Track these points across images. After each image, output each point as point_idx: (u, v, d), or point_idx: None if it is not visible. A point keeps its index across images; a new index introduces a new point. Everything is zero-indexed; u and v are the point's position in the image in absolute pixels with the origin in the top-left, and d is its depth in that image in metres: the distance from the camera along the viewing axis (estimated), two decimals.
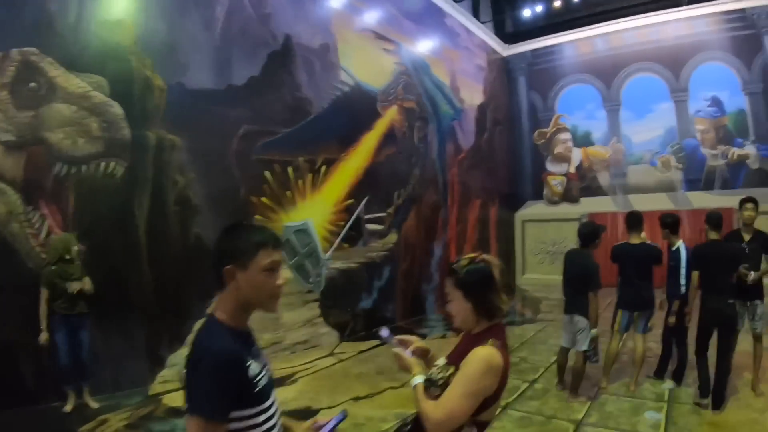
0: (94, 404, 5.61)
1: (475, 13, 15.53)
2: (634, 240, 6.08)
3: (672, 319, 5.97)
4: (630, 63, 15.46)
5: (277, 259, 1.76)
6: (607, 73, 15.83)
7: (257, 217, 7.56)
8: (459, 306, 2.17)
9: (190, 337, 2.78)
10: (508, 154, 16.65)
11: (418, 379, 2.09)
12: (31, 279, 5.38)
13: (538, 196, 16.74)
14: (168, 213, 6.68)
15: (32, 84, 5.54)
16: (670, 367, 6.31)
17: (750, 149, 13.71)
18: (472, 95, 14.56)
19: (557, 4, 15.60)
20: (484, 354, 2.02)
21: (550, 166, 16.61)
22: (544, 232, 16.19)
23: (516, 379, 6.49)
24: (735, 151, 13.85)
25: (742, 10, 13.68)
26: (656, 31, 15.01)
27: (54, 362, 5.41)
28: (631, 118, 15.59)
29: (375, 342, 8.51)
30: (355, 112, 9.64)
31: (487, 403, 2.04)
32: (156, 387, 6.31)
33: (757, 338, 5.70)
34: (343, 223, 9.11)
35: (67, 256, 5.43)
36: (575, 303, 5.75)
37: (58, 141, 5.68)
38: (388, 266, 10.19)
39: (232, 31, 7.60)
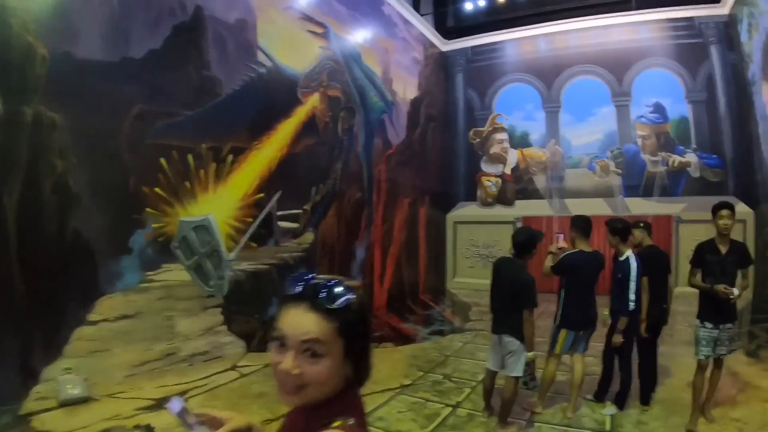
0: None
1: (416, 5, 15.17)
2: (585, 248, 5.59)
3: (618, 339, 5.51)
4: (572, 65, 15.53)
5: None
6: (549, 74, 15.84)
7: (148, 210, 6.84)
8: (327, 363, 1.30)
9: None
10: (442, 153, 16.37)
11: None
12: None
13: (471, 197, 16.54)
14: (43, 203, 5.84)
15: None
16: (612, 388, 5.88)
17: (691, 157, 13.96)
18: (406, 89, 14.15)
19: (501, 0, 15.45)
20: None
21: (485, 167, 16.43)
22: (476, 235, 16.08)
23: (437, 402, 6.03)
24: (676, 159, 14.07)
25: (690, 19, 13.97)
26: (601, 34, 15.10)
27: None
28: (571, 121, 15.61)
29: None
30: (271, 96, 8.97)
31: None
32: (30, 405, 5.50)
33: (720, 365, 5.26)
34: (251, 219, 8.40)
35: None
36: (505, 322, 5.18)
37: None
38: (303, 268, 9.50)
39: None
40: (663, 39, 14.40)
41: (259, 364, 7.47)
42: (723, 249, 5.14)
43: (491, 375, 5.50)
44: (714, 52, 13.77)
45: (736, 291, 4.88)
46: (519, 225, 15.18)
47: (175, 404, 1.27)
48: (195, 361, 7.39)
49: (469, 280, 15.71)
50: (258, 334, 8.42)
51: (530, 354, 5.07)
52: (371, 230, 12.01)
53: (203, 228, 7.49)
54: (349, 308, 1.32)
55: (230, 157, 8.02)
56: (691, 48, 14.02)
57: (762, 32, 11.35)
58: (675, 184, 14.11)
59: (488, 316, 11.60)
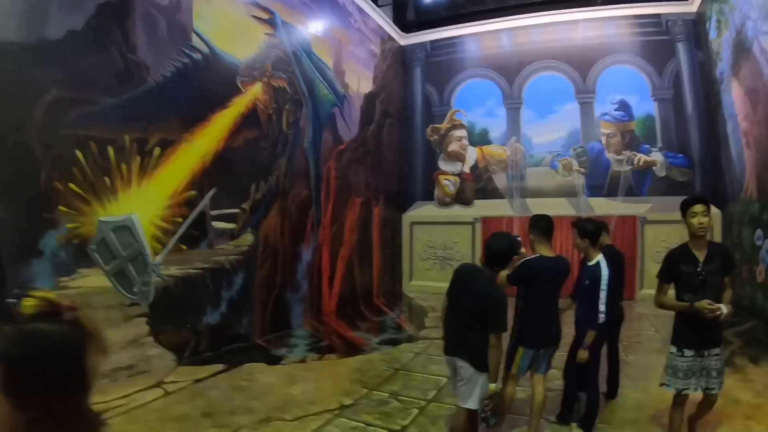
0: None
1: None
2: (547, 252, 4.98)
3: (584, 355, 4.95)
4: (535, 60, 15.46)
5: None
6: (510, 70, 15.77)
7: (62, 208, 6.27)
8: None
9: None
10: (398, 150, 16.13)
11: None
12: None
13: (428, 196, 16.35)
14: None
15: None
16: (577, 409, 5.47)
17: (657, 156, 14.08)
18: (360, 82, 13.79)
19: None
20: None
21: (443, 165, 16.26)
22: (434, 236, 15.97)
23: (380, 427, 5.53)
24: (642, 158, 14.17)
25: (657, 16, 14.13)
26: (565, 29, 15.13)
27: None
28: (533, 118, 15.57)
29: (219, 367, 7.46)
30: (206, 85, 8.44)
31: None
32: None
33: (710, 402, 4.54)
34: (181, 219, 7.84)
35: None
36: (461, 342, 4.38)
37: None
38: (241, 273, 9.05)
39: None
40: (629, 36, 14.53)
41: (187, 380, 6.98)
42: (701, 255, 4.30)
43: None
44: (681, 49, 13.94)
45: (723, 308, 4.05)
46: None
47: None
48: (118, 376, 6.82)
49: (426, 283, 15.65)
50: (190, 346, 7.93)
51: (494, 385, 4.28)
52: (319, 231, 11.55)
53: (125, 229, 6.93)
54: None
55: (157, 150, 7.44)
56: (657, 45, 14.16)
57: (732, 28, 11.38)
58: (640, 183, 14.17)
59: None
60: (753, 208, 10.69)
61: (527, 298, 4.99)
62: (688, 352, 4.30)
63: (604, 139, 14.56)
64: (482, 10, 15.87)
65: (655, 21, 14.12)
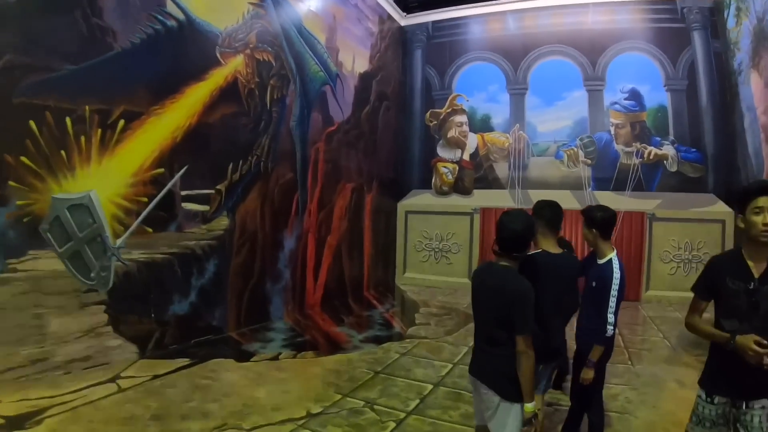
0: None
1: None
2: (552, 248, 4.20)
3: (589, 375, 4.22)
4: (542, 44, 15.04)
5: None
6: (515, 53, 15.32)
7: (12, 183, 5.86)
8: None
9: None
10: (394, 134, 15.68)
11: None
12: None
13: (426, 184, 15.95)
14: None
15: None
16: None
17: (669, 150, 13.65)
18: (355, 61, 13.32)
19: None
20: None
21: (442, 152, 15.85)
22: (430, 226, 15.59)
23: None
24: (652, 151, 13.71)
25: (673, 2, 13.70)
26: (575, 12, 14.72)
27: None
28: (538, 105, 15.14)
29: (184, 362, 7.06)
30: (181, 55, 7.97)
31: None
32: None
33: None
34: (146, 199, 7.39)
35: None
36: (484, 361, 3.58)
37: None
38: (214, 259, 8.62)
39: None
40: (642, 22, 14.08)
41: (146, 376, 6.54)
42: (757, 269, 3.00)
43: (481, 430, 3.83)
44: (697, 38, 13.50)
45: None
46: (476, 215, 14.75)
47: None
48: (73, 368, 6.45)
49: (421, 275, 15.43)
50: (155, 337, 7.53)
51: (530, 406, 3.31)
52: (304, 217, 11.10)
53: (83, 207, 6.50)
54: None
55: (121, 123, 6.97)
56: (672, 33, 13.73)
57: (753, 17, 11.01)
58: (650, 178, 13.74)
59: (435, 320, 10.90)
60: None
61: None
62: (719, 399, 3.13)
63: (612, 130, 14.13)
64: None
65: (670, 8, 13.69)
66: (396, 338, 9.13)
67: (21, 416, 5.08)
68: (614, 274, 4.15)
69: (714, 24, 13.23)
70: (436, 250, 15.42)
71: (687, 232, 12.67)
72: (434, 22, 16.24)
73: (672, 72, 13.70)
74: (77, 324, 6.62)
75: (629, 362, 7.07)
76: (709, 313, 3.18)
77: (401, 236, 15.91)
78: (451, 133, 15.65)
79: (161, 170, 7.59)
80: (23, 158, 5.98)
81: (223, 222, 8.84)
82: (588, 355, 4.24)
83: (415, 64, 16.45)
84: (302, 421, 5.34)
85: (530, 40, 15.13)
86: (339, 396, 6.11)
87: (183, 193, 8.05)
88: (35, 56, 6.13)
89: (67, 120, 6.42)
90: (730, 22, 12.45)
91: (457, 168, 15.51)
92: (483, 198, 15.09)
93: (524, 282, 3.39)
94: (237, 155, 9.16)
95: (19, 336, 6.01)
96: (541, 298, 3.57)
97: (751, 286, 2.96)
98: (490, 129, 15.47)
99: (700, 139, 13.38)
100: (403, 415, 5.59)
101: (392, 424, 5.33)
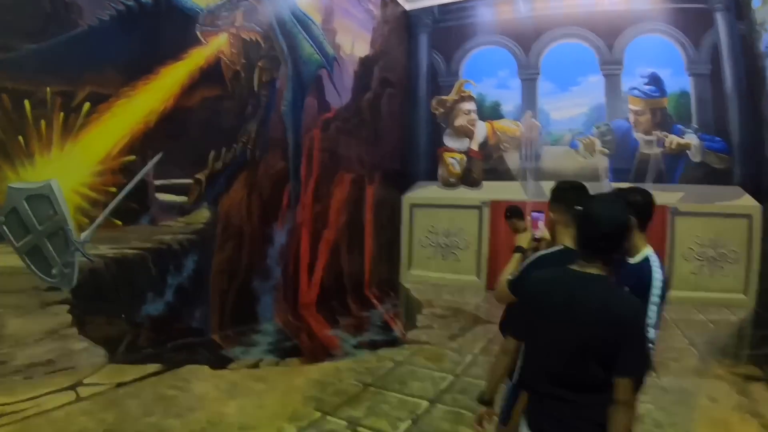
0: None
1: None
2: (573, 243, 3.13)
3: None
4: (555, 26, 14.65)
5: None
6: (527, 37, 14.93)
7: None
8: None
9: None
10: (398, 123, 15.29)
11: None
12: None
13: (432, 176, 15.59)
14: None
15: None
16: None
17: (692, 138, 13.18)
18: (355, 44, 12.92)
19: None
20: None
21: (449, 141, 15.47)
22: (436, 221, 15.23)
23: None
24: (674, 139, 13.28)
25: None
26: None
27: None
28: (551, 91, 14.78)
29: (154, 368, 6.69)
30: (156, 33, 7.58)
31: None
32: None
33: None
34: (115, 189, 7.01)
35: None
36: (563, 410, 2.55)
37: None
38: (193, 255, 8.23)
39: None
40: (662, 2, 13.63)
41: (109, 383, 6.17)
42: None
43: None
44: (720, 19, 13.03)
45: None
46: (485, 209, 14.39)
47: None
48: (34, 373, 6.10)
49: (426, 273, 15.13)
50: (126, 339, 7.17)
51: None
52: (297, 210, 10.70)
53: (43, 198, 6.14)
54: None
55: (86, 106, 6.60)
56: (694, 14, 13.24)
57: None
58: (672, 169, 13.31)
59: (439, 322, 10.42)
60: None
61: (530, 318, 3.39)
62: None
63: (631, 117, 13.71)
64: None
65: None
66: (393, 344, 8.66)
67: None
68: (654, 275, 3.17)
69: (738, 4, 12.76)
70: (443, 245, 15.07)
71: (711, 228, 12.20)
72: (440, 6, 15.86)
73: (694, 55, 13.24)
74: (38, 325, 6.27)
75: (654, 374, 6.56)
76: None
77: (406, 231, 15.56)
78: (459, 122, 15.29)
79: (132, 157, 7.20)
80: None
81: (203, 215, 8.44)
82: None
83: (421, 48, 16.11)
84: None
85: (542, 23, 14.72)
86: (318, 414, 5.56)
87: (157, 182, 7.66)
88: None
89: (26, 103, 6.07)
90: (755, 2, 12.02)
91: (465, 158, 15.16)
92: (493, 190, 14.69)
93: (636, 302, 2.61)
94: (220, 142, 8.77)
95: None
96: None
97: None
98: (500, 116, 15.13)
99: (726, 128, 12.94)
100: None
101: None
